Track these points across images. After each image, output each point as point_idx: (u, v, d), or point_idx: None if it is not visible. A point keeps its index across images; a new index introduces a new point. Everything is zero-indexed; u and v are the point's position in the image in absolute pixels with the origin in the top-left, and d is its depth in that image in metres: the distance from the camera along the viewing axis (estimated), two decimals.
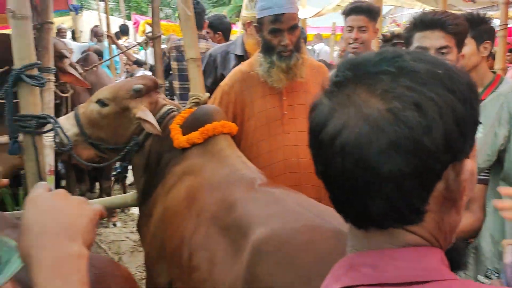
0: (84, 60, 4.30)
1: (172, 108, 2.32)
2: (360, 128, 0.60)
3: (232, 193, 1.76)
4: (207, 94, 2.62)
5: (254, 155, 2.33)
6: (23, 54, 2.20)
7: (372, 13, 3.02)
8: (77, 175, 4.43)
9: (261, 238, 1.43)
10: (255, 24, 2.46)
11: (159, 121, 2.22)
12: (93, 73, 4.07)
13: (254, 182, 1.80)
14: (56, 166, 3.72)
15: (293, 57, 2.32)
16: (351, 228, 0.69)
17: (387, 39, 3.91)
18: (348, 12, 3.03)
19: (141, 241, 2.28)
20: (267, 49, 2.35)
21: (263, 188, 1.76)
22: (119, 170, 2.75)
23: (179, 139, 2.11)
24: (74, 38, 8.91)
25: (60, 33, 7.98)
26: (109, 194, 4.46)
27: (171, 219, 1.95)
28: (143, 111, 2.12)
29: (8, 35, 3.53)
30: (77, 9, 8.38)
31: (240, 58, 3.07)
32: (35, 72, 2.23)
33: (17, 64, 2.19)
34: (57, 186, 4.50)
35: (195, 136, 2.07)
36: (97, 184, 5.03)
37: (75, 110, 2.36)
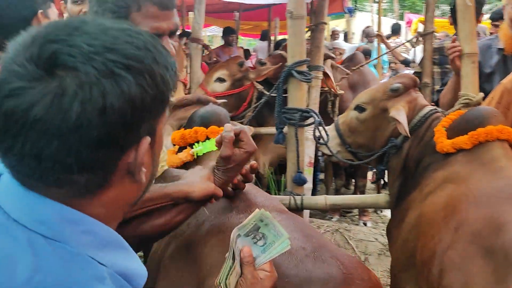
0: (350, 60, 4.39)
1: (436, 109, 2.12)
2: None
3: (504, 211, 1.46)
4: (481, 94, 2.30)
5: None
6: (295, 51, 2.36)
7: None
8: (334, 170, 4.59)
9: None
10: None
11: (420, 122, 2.07)
12: (357, 72, 4.11)
13: None
14: (316, 159, 3.95)
15: None
16: None
17: None
18: None
19: (389, 245, 2.16)
20: None
21: None
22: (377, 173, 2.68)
23: (443, 142, 1.91)
24: (346, 39, 9.30)
25: (334, 35, 8.44)
26: (363, 192, 4.46)
27: (424, 228, 1.77)
28: (396, 110, 2.00)
29: None
30: (351, 12, 8.74)
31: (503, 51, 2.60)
32: (303, 68, 2.37)
33: (289, 61, 2.37)
34: (315, 178, 4.78)
35: (463, 140, 1.83)
36: (353, 181, 5.12)
37: (336, 121, 2.42)
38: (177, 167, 1.60)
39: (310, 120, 2.41)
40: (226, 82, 3.63)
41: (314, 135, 2.36)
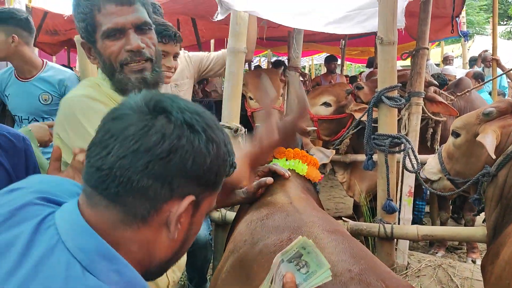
0: (455, 86, 4.15)
1: None
2: None
3: None
4: None
5: None
6: (385, 77, 2.36)
7: None
8: (440, 202, 4.32)
9: None
10: None
11: None
12: (463, 98, 3.88)
13: None
14: (418, 189, 3.77)
15: None
16: None
17: None
18: None
19: (483, 282, 2.00)
20: None
21: None
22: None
23: None
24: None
25: (447, 60, 8.04)
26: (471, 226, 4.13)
27: None
28: (483, 134, 1.89)
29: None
30: (466, 36, 8.24)
31: None
32: (394, 94, 2.35)
33: (380, 86, 2.36)
34: (421, 210, 4.54)
35: None
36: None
37: (440, 148, 2.36)
38: None
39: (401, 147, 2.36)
40: (331, 107, 3.66)
41: (403, 162, 2.31)
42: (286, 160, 1.68)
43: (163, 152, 0.73)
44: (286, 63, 4.76)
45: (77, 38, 3.14)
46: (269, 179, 1.54)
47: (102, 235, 0.75)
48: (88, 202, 0.77)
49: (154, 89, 1.40)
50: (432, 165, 2.34)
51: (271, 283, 0.99)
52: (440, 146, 3.59)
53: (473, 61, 8.53)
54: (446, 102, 3.45)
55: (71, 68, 4.19)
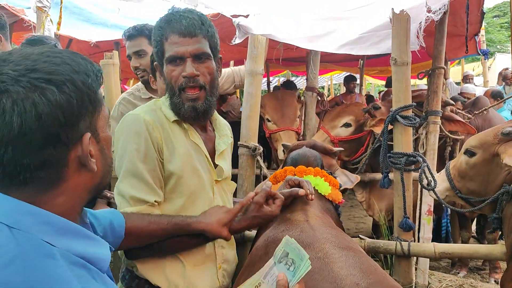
0: (473, 105, 4.15)
1: None
2: None
3: None
4: None
5: None
6: (400, 97, 2.40)
7: None
8: (460, 221, 4.27)
9: None
10: None
11: None
12: (480, 117, 3.88)
13: None
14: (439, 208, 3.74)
15: None
16: None
17: None
18: None
19: None
20: None
21: None
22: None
23: None
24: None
25: (466, 79, 8.00)
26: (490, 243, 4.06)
27: None
28: (510, 157, 1.89)
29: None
30: (486, 54, 8.19)
31: None
32: (409, 113, 2.39)
33: (394, 106, 2.41)
34: (440, 230, 4.48)
35: None
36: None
37: (447, 165, 2.37)
38: None
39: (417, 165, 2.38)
40: (351, 127, 3.69)
41: (420, 179, 2.33)
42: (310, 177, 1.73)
43: (33, 126, 0.75)
44: (305, 82, 4.82)
45: (102, 62, 3.29)
46: (301, 191, 1.58)
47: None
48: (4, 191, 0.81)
49: (205, 117, 1.56)
50: (438, 182, 2.33)
51: (263, 278, 1.10)
52: None
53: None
54: (463, 121, 3.46)
55: None
